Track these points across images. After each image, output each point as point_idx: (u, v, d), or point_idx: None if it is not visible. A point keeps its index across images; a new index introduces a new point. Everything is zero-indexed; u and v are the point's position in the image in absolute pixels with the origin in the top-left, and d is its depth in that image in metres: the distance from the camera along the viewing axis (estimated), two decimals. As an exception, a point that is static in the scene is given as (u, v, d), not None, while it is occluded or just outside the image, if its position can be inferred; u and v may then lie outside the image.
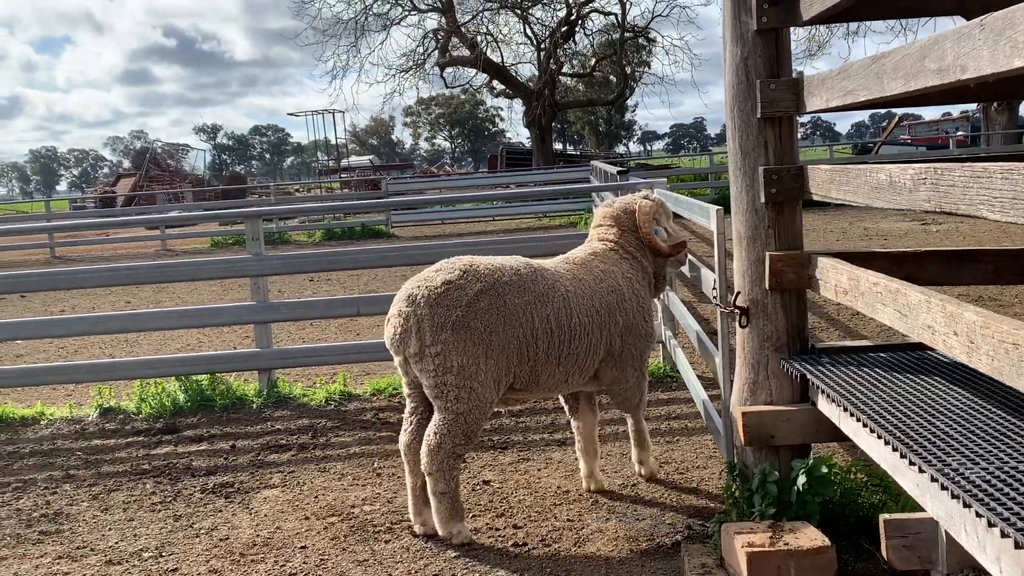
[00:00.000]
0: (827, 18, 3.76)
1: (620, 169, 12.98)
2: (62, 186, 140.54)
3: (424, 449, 4.31)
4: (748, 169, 4.05)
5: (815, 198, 3.87)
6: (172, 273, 8.36)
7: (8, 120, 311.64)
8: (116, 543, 4.79)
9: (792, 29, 4.05)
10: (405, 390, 4.55)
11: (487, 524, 4.64)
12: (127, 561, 4.55)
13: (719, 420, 4.71)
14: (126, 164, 67.13)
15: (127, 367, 7.67)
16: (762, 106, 3.93)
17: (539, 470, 5.43)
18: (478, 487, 5.20)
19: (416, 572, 4.17)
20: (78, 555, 4.67)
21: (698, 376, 6.10)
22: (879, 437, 2.95)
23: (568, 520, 4.63)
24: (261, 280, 7.44)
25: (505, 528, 4.58)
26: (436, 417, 4.32)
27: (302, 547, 4.56)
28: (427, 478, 4.36)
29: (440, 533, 4.43)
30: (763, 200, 3.98)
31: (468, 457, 5.69)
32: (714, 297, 4.56)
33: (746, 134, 4.03)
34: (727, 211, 4.30)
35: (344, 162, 47.67)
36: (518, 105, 40.88)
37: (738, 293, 4.17)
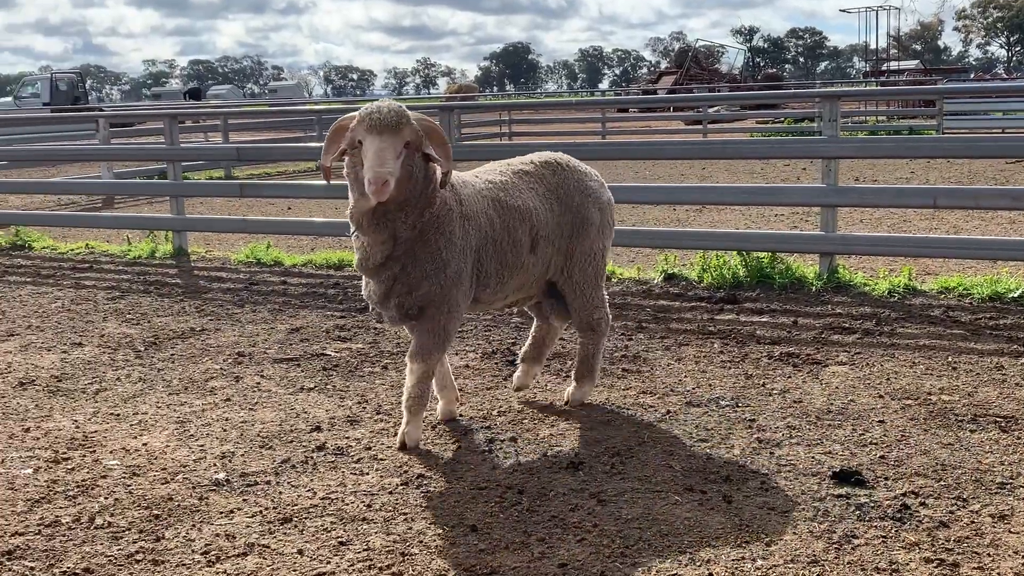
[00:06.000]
0: None
1: None
2: (603, 84, 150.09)
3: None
4: None
5: None
6: (746, 151, 8.51)
7: (563, 20, 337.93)
8: (693, 389, 5.10)
9: None
10: None
11: None
12: (705, 405, 4.82)
13: None
14: (664, 64, 69.46)
15: (693, 237, 8.04)
16: None
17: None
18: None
19: (992, 467, 3.89)
20: (659, 392, 5.06)
21: None
22: None
23: None
24: (833, 163, 7.28)
25: None
26: None
27: (879, 421, 4.48)
28: None
29: None
30: None
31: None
32: None
33: None
34: None
35: (885, 67, 44.75)
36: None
37: None
